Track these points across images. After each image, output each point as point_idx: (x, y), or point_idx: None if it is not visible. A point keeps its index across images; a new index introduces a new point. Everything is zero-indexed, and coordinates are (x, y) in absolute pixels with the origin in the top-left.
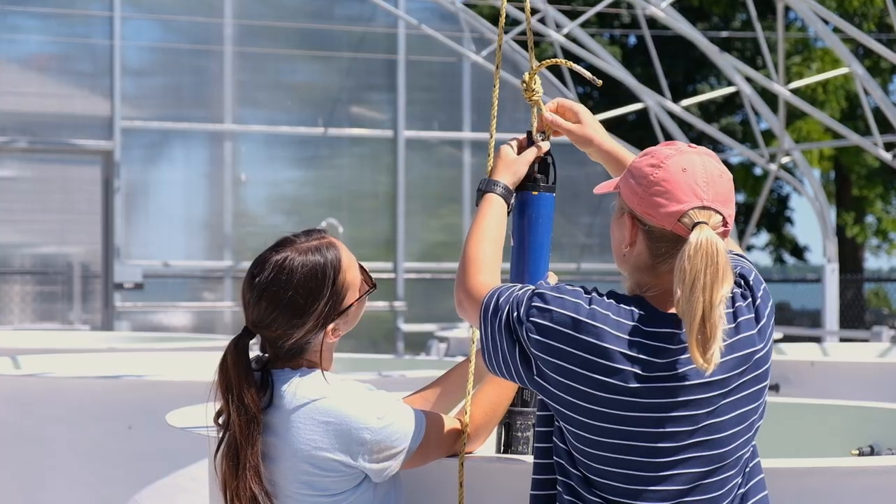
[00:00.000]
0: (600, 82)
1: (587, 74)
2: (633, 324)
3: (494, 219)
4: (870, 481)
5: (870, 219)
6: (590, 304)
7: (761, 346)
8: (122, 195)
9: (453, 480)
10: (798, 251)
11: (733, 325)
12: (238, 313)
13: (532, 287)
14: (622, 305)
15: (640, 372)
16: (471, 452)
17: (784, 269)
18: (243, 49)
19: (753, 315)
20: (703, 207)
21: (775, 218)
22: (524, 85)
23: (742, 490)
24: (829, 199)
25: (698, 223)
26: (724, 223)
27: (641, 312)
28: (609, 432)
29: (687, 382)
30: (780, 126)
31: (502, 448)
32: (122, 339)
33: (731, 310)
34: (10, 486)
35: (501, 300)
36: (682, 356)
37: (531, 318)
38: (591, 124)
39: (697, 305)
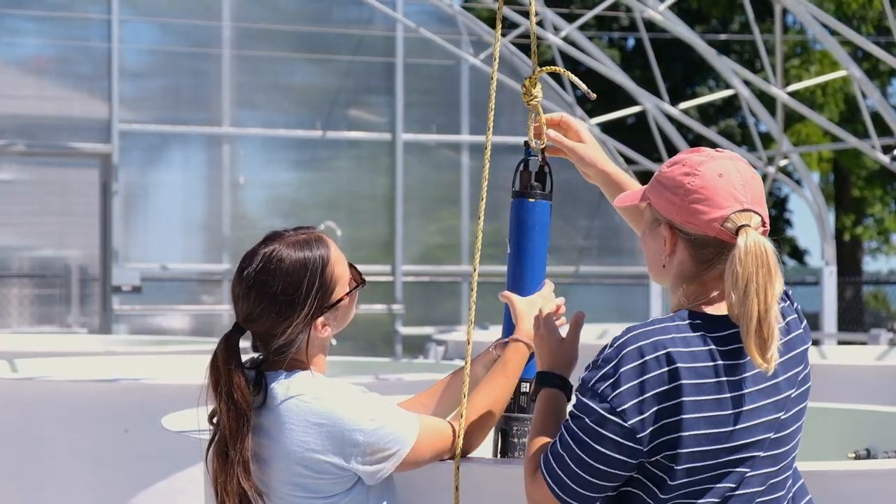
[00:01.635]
0: (594, 95)
1: (583, 86)
2: (705, 343)
3: (552, 417)
4: (866, 484)
5: (869, 221)
6: (656, 351)
7: (808, 343)
8: (121, 198)
9: (448, 484)
10: (797, 253)
11: (783, 324)
12: None
13: (585, 392)
14: (687, 333)
15: (732, 382)
16: (465, 456)
17: (783, 271)
18: (241, 52)
19: (796, 315)
20: (744, 210)
21: (774, 220)
22: (524, 89)
23: (791, 492)
24: (828, 201)
25: (742, 226)
26: (763, 223)
27: (699, 321)
28: (710, 454)
29: (768, 383)
30: (778, 129)
31: (499, 454)
32: (119, 342)
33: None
34: (10, 488)
35: (563, 445)
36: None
37: (619, 407)
38: (594, 144)
39: (753, 308)
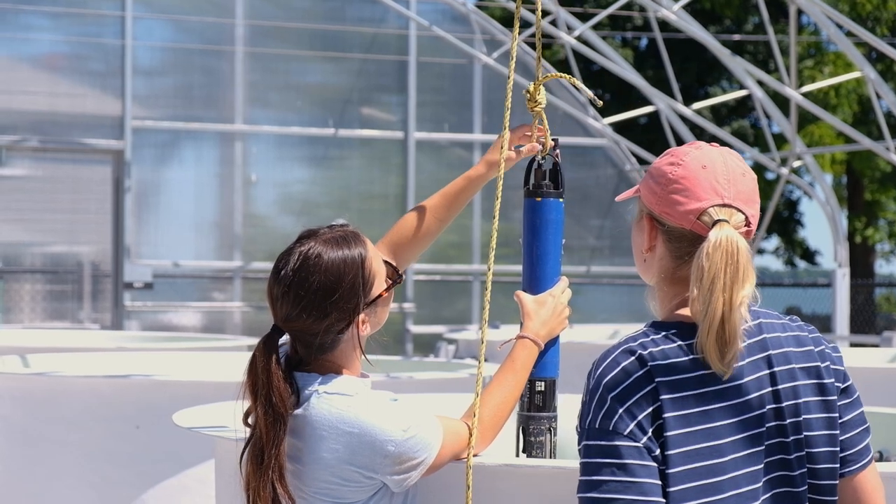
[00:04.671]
0: (601, 103)
1: (589, 93)
2: (684, 354)
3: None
4: None
5: (882, 223)
6: (632, 355)
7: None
8: (133, 195)
9: (460, 483)
10: (809, 255)
11: (753, 339)
12: (247, 314)
13: (591, 437)
14: (664, 345)
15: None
16: (477, 455)
17: (795, 273)
18: (254, 50)
19: (836, 377)
20: (724, 205)
21: (786, 222)
22: (528, 95)
23: None
24: (840, 203)
25: (719, 221)
26: (747, 223)
27: (673, 331)
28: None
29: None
30: (791, 130)
31: (519, 453)
32: (131, 338)
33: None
34: (17, 484)
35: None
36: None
37: (625, 430)
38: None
39: (717, 305)
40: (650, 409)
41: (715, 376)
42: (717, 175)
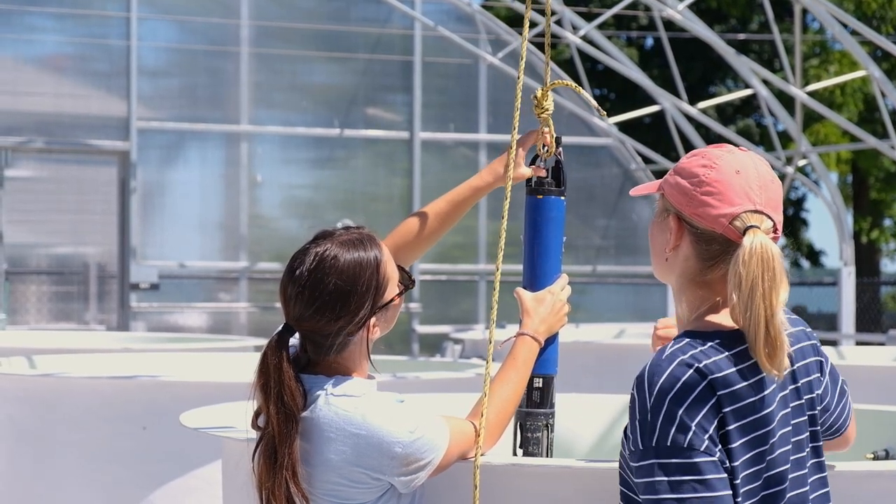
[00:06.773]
0: (605, 113)
1: (593, 103)
2: (733, 364)
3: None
4: (884, 485)
5: (887, 222)
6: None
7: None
8: (138, 196)
9: (467, 482)
10: (814, 254)
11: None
12: (253, 314)
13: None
14: (716, 356)
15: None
16: (483, 454)
17: (800, 272)
18: (259, 50)
19: (817, 355)
20: (756, 211)
21: (791, 221)
22: (535, 101)
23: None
24: (846, 202)
25: (751, 227)
26: (775, 229)
27: (717, 341)
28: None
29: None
30: (796, 129)
31: (516, 450)
32: (137, 339)
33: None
34: (24, 485)
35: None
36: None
37: (701, 445)
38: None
39: (759, 313)
40: (716, 422)
41: (759, 383)
42: (749, 181)
